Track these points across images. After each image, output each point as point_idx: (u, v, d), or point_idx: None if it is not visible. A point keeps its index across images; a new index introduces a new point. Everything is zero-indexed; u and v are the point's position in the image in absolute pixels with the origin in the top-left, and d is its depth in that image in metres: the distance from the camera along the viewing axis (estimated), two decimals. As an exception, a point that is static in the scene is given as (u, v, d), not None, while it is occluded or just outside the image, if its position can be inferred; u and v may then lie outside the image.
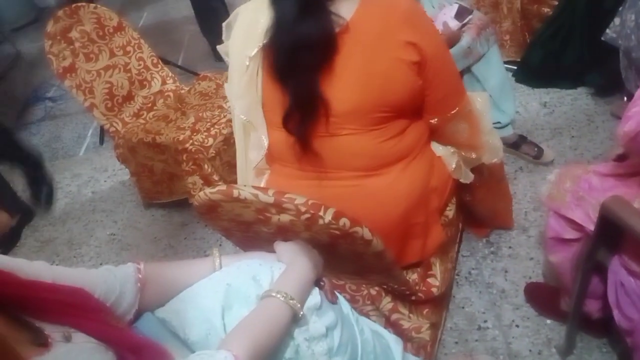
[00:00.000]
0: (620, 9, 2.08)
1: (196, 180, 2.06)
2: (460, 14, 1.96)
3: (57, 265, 0.87)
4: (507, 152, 2.20)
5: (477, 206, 1.76)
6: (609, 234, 1.19)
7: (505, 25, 2.73)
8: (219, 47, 1.47)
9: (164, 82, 2.45)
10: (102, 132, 3.06)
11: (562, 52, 2.50)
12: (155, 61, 2.44)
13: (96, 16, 2.27)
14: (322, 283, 1.09)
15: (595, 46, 2.29)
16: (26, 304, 0.73)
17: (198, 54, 3.78)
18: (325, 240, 1.13)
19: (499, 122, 2.17)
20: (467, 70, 2.08)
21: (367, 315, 1.46)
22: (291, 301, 0.95)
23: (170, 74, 2.49)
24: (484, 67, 2.09)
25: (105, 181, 2.80)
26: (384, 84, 1.20)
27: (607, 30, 2.15)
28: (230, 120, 2.10)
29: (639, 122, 1.09)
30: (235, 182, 1.64)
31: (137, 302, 0.97)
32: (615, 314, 1.24)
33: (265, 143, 1.34)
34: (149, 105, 2.38)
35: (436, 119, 1.33)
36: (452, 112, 1.33)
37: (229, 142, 2.07)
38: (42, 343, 0.70)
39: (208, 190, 1.12)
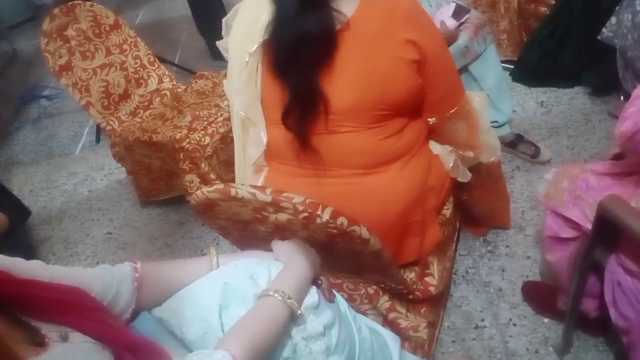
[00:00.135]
0: (617, 8, 2.09)
1: (193, 178, 2.06)
2: (458, 13, 1.96)
3: (53, 264, 0.87)
4: (504, 151, 2.20)
5: (475, 205, 1.76)
6: (606, 233, 1.19)
7: (503, 25, 2.73)
8: (218, 43, 1.47)
9: (160, 81, 2.44)
10: (99, 131, 3.05)
11: (559, 51, 2.51)
12: (151, 59, 2.43)
13: (92, 14, 2.26)
14: (319, 282, 1.09)
15: (592, 46, 2.29)
16: (23, 303, 0.72)
17: (195, 52, 3.77)
18: (322, 239, 1.13)
19: (496, 121, 2.17)
20: (464, 69, 2.08)
21: (364, 314, 1.46)
22: (289, 300, 0.95)
23: (166, 73, 2.48)
24: (481, 66, 2.09)
25: (101, 180, 2.79)
26: (384, 82, 1.20)
27: (603, 30, 2.16)
28: (227, 119, 2.10)
29: (636, 122, 1.09)
30: (232, 180, 1.64)
31: (134, 301, 0.97)
32: (612, 312, 1.24)
33: (264, 139, 1.34)
34: (146, 103, 2.38)
35: (435, 118, 1.34)
36: (451, 111, 1.33)
37: (225, 140, 2.07)
38: (39, 343, 0.70)
39: (205, 189, 1.12)
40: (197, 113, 2.18)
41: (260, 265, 1.04)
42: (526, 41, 2.68)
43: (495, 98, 2.12)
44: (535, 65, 2.61)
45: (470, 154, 1.46)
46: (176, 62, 3.45)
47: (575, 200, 1.30)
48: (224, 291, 0.98)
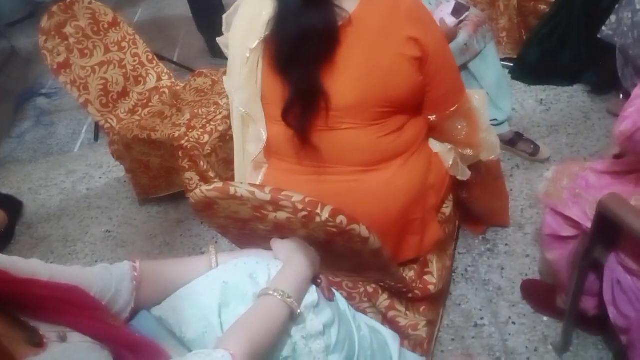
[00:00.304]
0: (617, 6, 2.08)
1: (193, 176, 2.06)
2: (457, 10, 1.95)
3: (52, 262, 0.86)
4: (504, 150, 2.20)
5: (474, 204, 1.76)
6: (606, 231, 1.19)
7: (502, 23, 2.73)
8: (219, 40, 1.47)
9: (159, 79, 2.44)
10: (97, 129, 3.04)
11: (559, 50, 2.50)
12: (150, 57, 2.42)
13: (91, 12, 2.25)
14: (319, 281, 1.09)
15: (592, 45, 2.29)
16: (22, 303, 0.72)
17: (193, 50, 3.76)
18: (322, 237, 1.13)
19: (495, 120, 2.16)
20: (464, 67, 2.07)
21: (364, 313, 1.46)
22: (288, 299, 0.94)
23: (165, 70, 2.47)
24: (480, 64, 2.09)
25: (100, 178, 2.78)
26: (386, 79, 1.20)
27: (603, 28, 2.16)
28: (225, 117, 2.09)
29: (635, 121, 1.09)
30: (231, 179, 1.64)
31: (133, 300, 0.96)
32: (611, 311, 1.24)
33: (264, 136, 1.34)
34: (144, 101, 2.37)
35: (435, 116, 1.33)
36: (452, 109, 1.33)
37: (224, 138, 2.07)
38: (37, 343, 0.69)
39: (204, 187, 1.11)
40: (195, 111, 2.17)
41: (259, 264, 1.04)
42: (526, 39, 2.68)
43: (494, 96, 2.12)
44: (535, 63, 2.61)
45: (470, 152, 1.45)
46: (175, 59, 3.44)
47: (575, 199, 1.29)
48: (224, 290, 0.98)
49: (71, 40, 2.18)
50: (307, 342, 0.97)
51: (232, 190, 1.07)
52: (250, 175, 1.44)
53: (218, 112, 2.14)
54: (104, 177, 2.78)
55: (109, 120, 2.26)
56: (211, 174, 2.04)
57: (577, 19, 2.39)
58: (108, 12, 2.31)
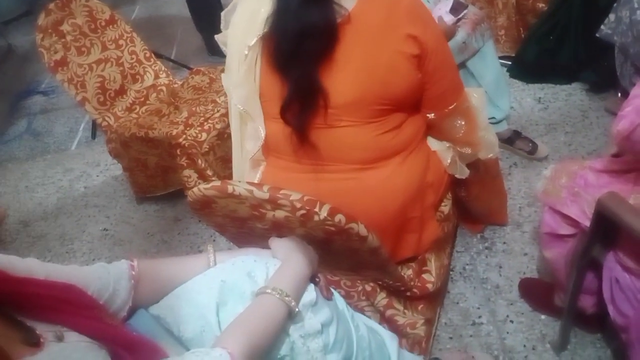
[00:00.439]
0: (615, 5, 2.08)
1: (191, 173, 2.05)
2: (456, 8, 1.95)
3: (49, 261, 0.86)
4: (502, 148, 2.20)
5: (472, 202, 1.76)
6: (604, 230, 1.19)
7: (500, 21, 2.73)
8: (217, 37, 1.46)
9: (156, 76, 2.43)
10: (94, 127, 3.04)
11: (557, 49, 2.50)
12: (147, 55, 2.42)
13: (88, 9, 2.24)
14: (317, 279, 1.08)
15: (591, 43, 2.29)
16: (18, 302, 0.72)
17: (191, 48, 3.75)
18: (320, 236, 1.13)
19: (493, 118, 2.16)
20: (462, 65, 2.07)
21: (362, 311, 1.46)
22: (286, 298, 0.94)
23: (163, 68, 2.46)
24: (479, 62, 2.08)
25: (97, 176, 2.77)
26: (385, 77, 1.20)
27: (602, 27, 2.15)
28: (223, 115, 2.09)
29: (632, 121, 1.09)
30: (229, 177, 1.63)
31: (131, 299, 0.96)
32: (610, 309, 1.24)
33: (262, 134, 1.33)
34: (142, 99, 2.37)
35: (434, 114, 1.33)
36: (450, 107, 1.32)
37: (222, 137, 2.06)
38: (34, 343, 0.69)
39: (202, 186, 1.11)
40: (193, 109, 2.16)
41: (257, 262, 1.04)
42: (524, 37, 2.68)
43: (493, 94, 2.12)
44: (533, 61, 2.61)
45: (468, 150, 1.45)
46: (172, 57, 3.43)
47: (574, 197, 1.29)
48: (222, 289, 0.97)
49: (68, 37, 2.17)
50: (305, 341, 0.97)
51: (230, 188, 1.07)
52: (248, 174, 1.44)
53: (216, 110, 2.14)
54: (101, 175, 2.77)
55: (107, 118, 2.25)
56: (209, 172, 2.03)
57: (576, 18, 2.39)
58: (105, 10, 2.30)
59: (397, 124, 1.28)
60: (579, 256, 1.30)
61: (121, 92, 2.31)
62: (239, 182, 1.07)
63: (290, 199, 1.04)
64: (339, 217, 1.06)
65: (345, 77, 1.20)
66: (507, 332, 1.62)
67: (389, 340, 1.23)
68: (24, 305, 0.72)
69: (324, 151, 1.27)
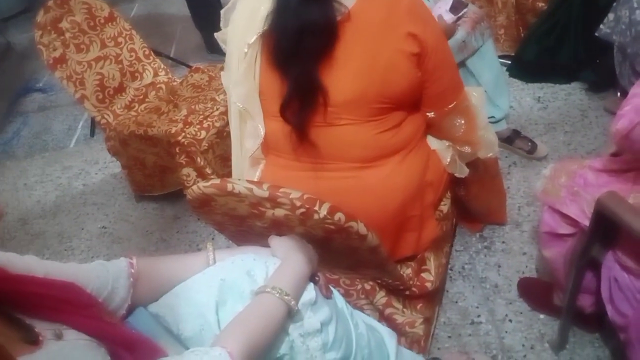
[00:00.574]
0: (614, 4, 2.08)
1: (190, 172, 2.05)
2: (455, 7, 1.95)
3: (47, 258, 0.86)
4: (501, 147, 2.19)
5: (472, 201, 1.76)
6: (604, 229, 1.19)
7: (500, 19, 2.73)
8: (216, 35, 1.46)
9: (155, 74, 2.42)
10: (93, 124, 3.03)
11: (557, 48, 2.50)
12: (147, 52, 2.41)
13: (87, 6, 2.24)
14: (316, 278, 1.08)
15: (590, 43, 2.29)
16: (17, 300, 0.71)
17: (190, 46, 3.75)
18: (320, 234, 1.13)
19: (493, 117, 2.16)
20: (462, 64, 2.07)
21: (361, 310, 1.46)
22: (286, 297, 0.94)
23: (162, 66, 2.46)
24: (478, 61, 2.08)
25: (96, 174, 2.77)
26: (385, 75, 1.20)
27: (601, 26, 2.15)
28: (223, 113, 2.08)
29: (631, 120, 1.09)
30: (228, 175, 1.63)
31: (130, 297, 0.96)
32: (609, 309, 1.24)
33: (262, 132, 1.33)
34: (141, 97, 2.36)
35: (433, 113, 1.33)
36: (450, 106, 1.32)
37: (221, 135, 2.06)
38: (33, 341, 0.69)
39: (202, 184, 1.11)
40: (192, 107, 2.16)
41: (257, 261, 1.04)
42: (524, 37, 2.68)
43: (492, 93, 2.12)
44: (533, 61, 2.61)
45: (468, 149, 1.45)
46: (172, 55, 3.43)
47: (573, 197, 1.29)
48: (221, 287, 0.97)
49: (67, 35, 2.16)
50: (304, 340, 0.97)
51: (229, 186, 1.06)
52: (247, 172, 1.44)
53: (215, 108, 2.13)
54: (99, 173, 2.77)
55: (105, 116, 2.25)
56: (208, 171, 2.03)
57: (575, 17, 2.38)
58: (104, 7, 2.29)
59: (397, 123, 1.28)
60: (578, 255, 1.30)
61: (120, 89, 2.30)
62: (239, 180, 1.07)
63: (290, 197, 1.04)
64: (339, 216, 1.06)
65: (345, 75, 1.20)
66: (506, 332, 1.62)
67: (388, 338, 1.23)
68: (22, 303, 0.72)
69: (323, 149, 1.27)
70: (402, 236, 1.38)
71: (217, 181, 1.09)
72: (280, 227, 1.14)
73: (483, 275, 1.80)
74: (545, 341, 1.57)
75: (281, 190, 1.04)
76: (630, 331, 1.19)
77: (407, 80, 1.22)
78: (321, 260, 1.13)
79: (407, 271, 1.44)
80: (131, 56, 2.35)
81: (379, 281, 1.45)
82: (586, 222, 1.24)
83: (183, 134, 2.01)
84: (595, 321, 1.51)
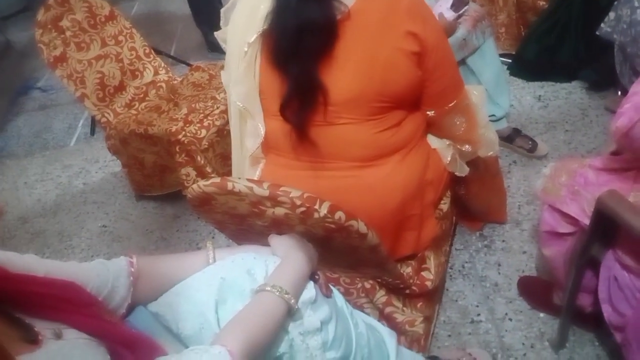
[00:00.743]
0: (615, 3, 2.08)
1: (190, 171, 2.05)
2: (456, 5, 1.94)
3: (47, 257, 0.86)
4: (501, 146, 2.19)
5: (472, 200, 1.76)
6: (604, 228, 1.19)
7: (501, 18, 2.73)
8: (216, 34, 1.46)
9: (156, 73, 2.42)
10: (94, 123, 3.03)
11: (557, 47, 2.50)
12: (147, 51, 2.41)
13: (87, 5, 2.24)
14: (316, 277, 1.08)
15: (591, 42, 2.29)
16: (17, 299, 0.71)
17: (191, 44, 3.75)
18: (320, 233, 1.13)
19: (493, 115, 2.16)
20: (462, 62, 2.07)
21: (361, 308, 1.46)
22: (286, 295, 0.94)
23: (162, 65, 2.46)
24: (479, 59, 2.08)
25: (96, 172, 2.77)
26: (385, 74, 1.20)
27: (602, 25, 2.15)
28: (223, 112, 2.08)
29: (631, 118, 1.09)
30: (228, 174, 1.63)
31: (130, 296, 0.96)
32: (606, 309, 1.24)
33: (262, 131, 1.33)
34: (141, 95, 2.36)
35: (433, 111, 1.33)
36: (450, 104, 1.32)
37: (222, 133, 2.06)
38: (33, 340, 0.69)
39: (202, 182, 1.11)
40: (193, 105, 2.16)
41: (257, 259, 1.04)
42: (524, 35, 2.68)
43: (492, 92, 2.12)
44: (533, 60, 2.61)
45: (468, 148, 1.45)
46: (172, 54, 3.43)
47: (573, 196, 1.29)
48: (221, 286, 0.97)
49: (67, 33, 2.16)
50: (304, 339, 0.97)
51: (229, 185, 1.06)
52: (247, 171, 1.44)
53: (215, 106, 2.13)
54: (100, 171, 2.77)
55: (106, 115, 2.25)
56: (208, 169, 2.03)
57: (576, 16, 2.38)
58: (105, 6, 2.29)
59: (397, 122, 1.28)
60: (578, 254, 1.30)
61: (120, 88, 2.31)
62: (239, 179, 1.07)
63: (290, 196, 1.04)
64: (339, 215, 1.06)
65: (345, 74, 1.20)
66: (506, 330, 1.62)
67: (388, 337, 1.23)
68: (22, 302, 0.72)
69: (323, 148, 1.27)
70: (402, 235, 1.38)
71: (217, 180, 1.09)
72: (280, 226, 1.14)
73: (483, 274, 1.80)
74: (545, 340, 1.57)
75: (281, 189, 1.04)
76: (628, 331, 1.19)
77: (407, 79, 1.22)
78: (321, 259, 1.13)
79: (407, 270, 1.44)
80: (131, 55, 2.35)
81: (379, 280, 1.45)
82: (586, 221, 1.24)
83: (183, 132, 2.01)
84: (595, 320, 1.50)
